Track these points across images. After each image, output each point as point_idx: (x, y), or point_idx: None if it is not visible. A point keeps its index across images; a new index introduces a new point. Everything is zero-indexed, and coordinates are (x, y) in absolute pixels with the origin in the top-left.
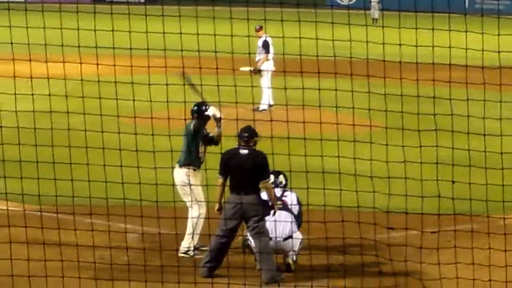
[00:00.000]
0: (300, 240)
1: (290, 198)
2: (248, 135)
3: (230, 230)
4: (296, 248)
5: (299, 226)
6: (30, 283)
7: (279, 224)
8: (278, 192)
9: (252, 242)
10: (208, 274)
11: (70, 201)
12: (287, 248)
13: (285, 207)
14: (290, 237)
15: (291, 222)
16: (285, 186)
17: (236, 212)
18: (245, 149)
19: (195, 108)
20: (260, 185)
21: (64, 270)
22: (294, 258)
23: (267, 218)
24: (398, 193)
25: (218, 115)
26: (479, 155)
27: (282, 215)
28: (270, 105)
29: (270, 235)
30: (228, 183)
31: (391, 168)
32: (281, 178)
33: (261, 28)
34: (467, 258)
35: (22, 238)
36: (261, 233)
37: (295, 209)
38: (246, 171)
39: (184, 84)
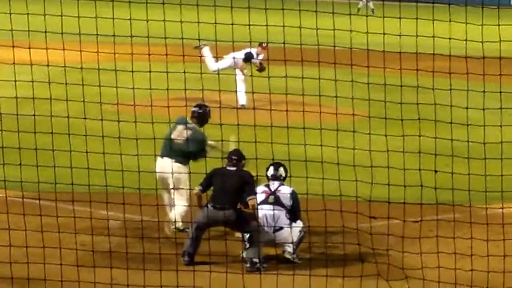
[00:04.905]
0: (299, 230)
1: (284, 192)
2: (237, 158)
3: (207, 227)
4: (295, 239)
5: (294, 219)
6: (12, 269)
7: (269, 216)
8: (274, 185)
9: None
10: (189, 261)
11: (52, 188)
12: (283, 239)
13: (277, 201)
14: (281, 228)
15: (284, 214)
16: (285, 179)
17: (212, 221)
18: (232, 167)
19: (196, 108)
20: (249, 203)
21: (45, 257)
22: (291, 251)
23: (260, 207)
24: (381, 182)
25: (213, 145)
26: (462, 145)
27: (273, 208)
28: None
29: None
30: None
31: (374, 157)
32: (281, 170)
33: (266, 46)
34: (449, 248)
35: (4, 224)
36: (251, 230)
37: (288, 203)
38: (230, 185)
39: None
